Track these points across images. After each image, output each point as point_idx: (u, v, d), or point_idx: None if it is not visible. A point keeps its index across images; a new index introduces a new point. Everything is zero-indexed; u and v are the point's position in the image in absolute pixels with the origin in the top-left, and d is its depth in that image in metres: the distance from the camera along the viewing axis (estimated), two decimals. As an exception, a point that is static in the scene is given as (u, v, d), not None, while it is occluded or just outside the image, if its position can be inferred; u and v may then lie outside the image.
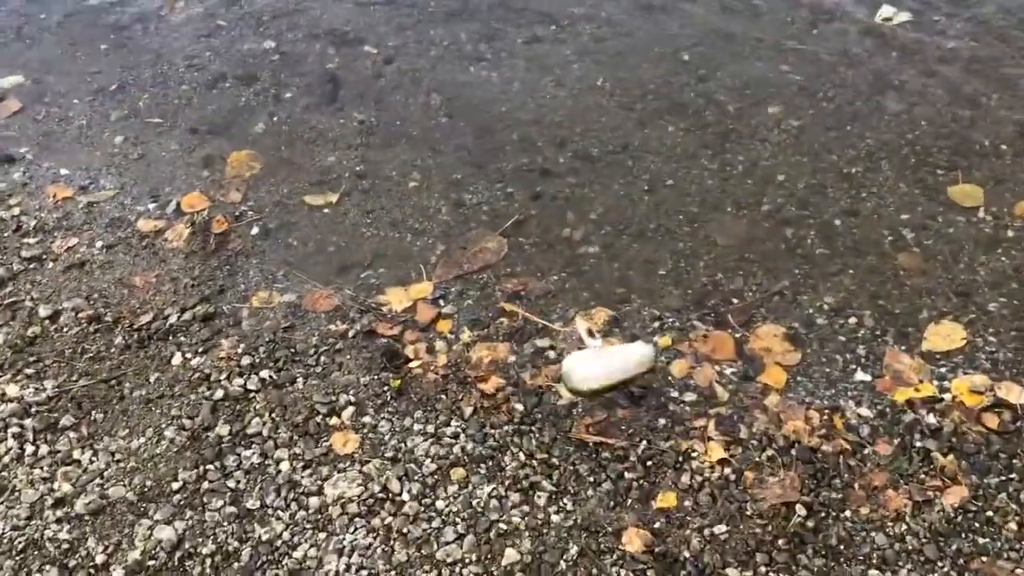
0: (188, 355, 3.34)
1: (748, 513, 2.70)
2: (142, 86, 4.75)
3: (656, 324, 3.30)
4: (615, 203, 3.80)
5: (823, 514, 2.68)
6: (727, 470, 2.82)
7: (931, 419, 2.89)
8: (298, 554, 2.69)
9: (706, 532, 2.66)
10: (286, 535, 2.74)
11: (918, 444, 2.83)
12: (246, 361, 3.28)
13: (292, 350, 3.32)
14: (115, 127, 4.50)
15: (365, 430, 3.02)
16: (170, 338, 3.42)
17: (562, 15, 4.87)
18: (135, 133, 4.45)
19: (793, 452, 2.84)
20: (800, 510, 2.67)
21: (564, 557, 2.63)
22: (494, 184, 3.96)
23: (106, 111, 4.60)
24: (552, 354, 3.22)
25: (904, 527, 2.64)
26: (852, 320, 3.23)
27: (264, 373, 3.23)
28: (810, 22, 4.59)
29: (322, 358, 3.28)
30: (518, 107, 4.33)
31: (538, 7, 4.95)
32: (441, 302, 3.47)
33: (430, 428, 3.00)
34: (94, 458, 3.00)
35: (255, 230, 3.86)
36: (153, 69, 4.86)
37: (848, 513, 2.68)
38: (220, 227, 3.87)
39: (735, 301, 3.35)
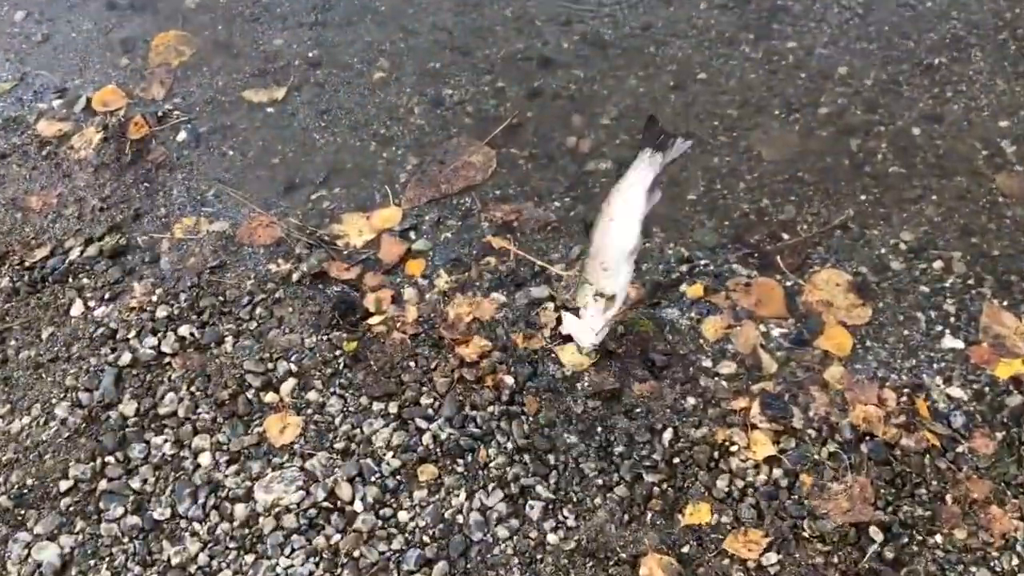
0: (91, 303, 2.65)
1: (806, 534, 2.04)
2: (51, -54, 3.84)
3: (684, 268, 2.58)
4: (633, 103, 3.01)
5: (905, 539, 2.02)
6: (777, 472, 2.16)
7: (1046, 404, 2.21)
8: (215, 588, 2.07)
9: (750, 561, 2.02)
10: (202, 557, 2.11)
11: (1030, 440, 2.15)
12: (162, 313, 2.58)
13: (221, 298, 2.62)
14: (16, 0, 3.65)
15: (309, 410, 2.34)
16: (70, 280, 2.72)
17: None
18: (40, 8, 3.61)
19: (864, 448, 2.17)
20: (875, 534, 2.02)
21: (564, 600, 2.01)
22: (481, 76, 3.16)
23: (5, -21, 3.73)
24: (552, 307, 2.51)
25: (1015, 559, 1.99)
26: (937, 264, 2.50)
27: (184, 330, 2.53)
28: None
29: (258, 310, 2.57)
30: (513, -26, 3.47)
31: None
32: (412, 234, 2.74)
33: (393, 408, 2.33)
34: (-41, 449, 2.35)
35: (182, 135, 3.09)
36: (65, -76, 3.93)
37: (939, 538, 2.03)
38: (138, 131, 3.09)
39: (785, 237, 2.62)
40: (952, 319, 2.39)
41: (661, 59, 3.12)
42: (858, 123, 2.85)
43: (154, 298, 2.63)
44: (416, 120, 3.06)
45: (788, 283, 2.51)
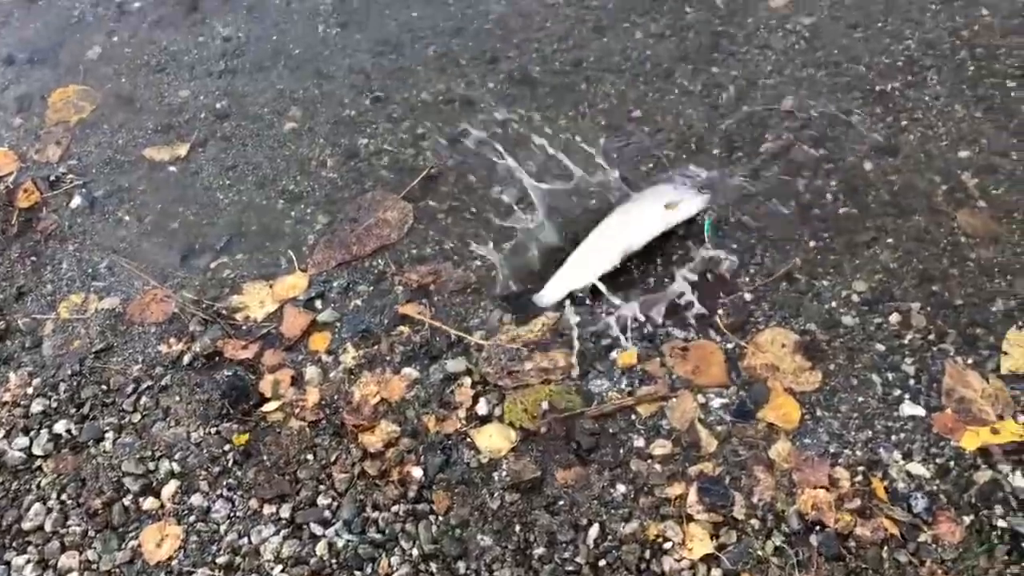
0: (-39, 398, 2.38)
1: (750, 652, 1.78)
2: (-51, -1, 3.61)
3: (615, 328, 2.31)
4: (562, 146, 2.74)
5: (864, 655, 1.76)
6: (716, 573, 1.88)
7: (1021, 479, 1.94)
8: None
9: None
10: None
11: (1001, 524, 1.88)
12: (38, 407, 2.33)
13: (104, 387, 2.36)
14: (-94, 57, 3.41)
15: (192, 517, 2.08)
16: (-60, 371, 2.45)
17: None
18: (-66, 66, 3.36)
19: (814, 541, 1.90)
20: (829, 652, 1.75)
21: None
22: (400, 123, 2.91)
23: None
24: (469, 382, 2.24)
25: (988, 675, 1.72)
26: (894, 318, 2.24)
27: (60, 426, 2.28)
28: None
29: (143, 399, 2.31)
30: (435, 11, 3.22)
31: None
32: (318, 304, 2.48)
33: (286, 512, 2.06)
34: None
35: (76, 201, 2.84)
36: (-36, -26, 3.70)
37: (902, 652, 1.76)
38: (28, 199, 2.85)
39: (726, 292, 2.35)
40: (911, 381, 2.13)
41: (593, 95, 2.87)
42: (805, 160, 2.60)
43: (30, 390, 2.38)
44: (328, 174, 2.81)
45: (729, 345, 2.25)
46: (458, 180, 2.73)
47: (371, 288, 2.50)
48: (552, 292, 2.41)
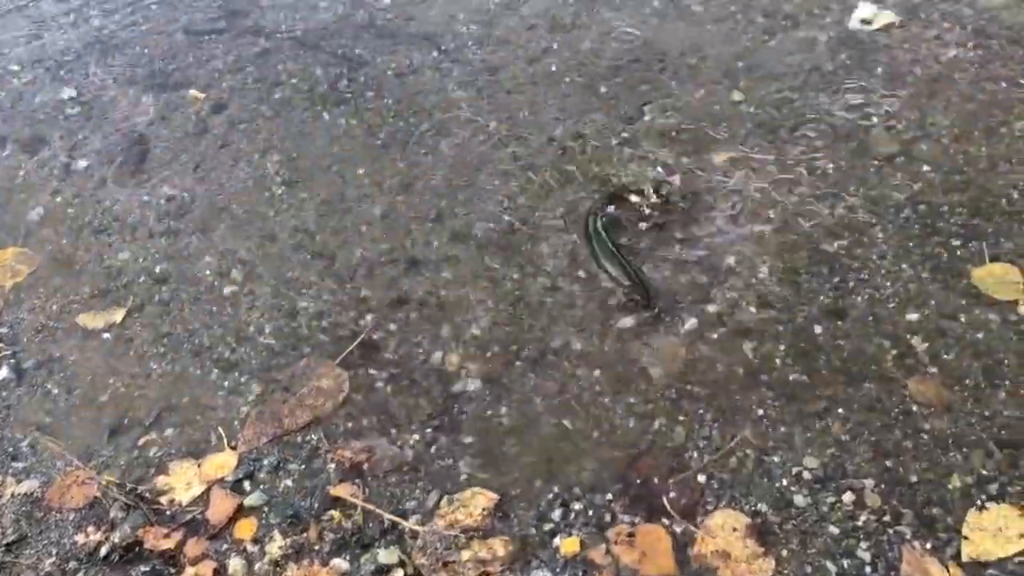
0: None
1: None
2: None
3: (558, 514, 2.19)
4: (508, 309, 2.68)
5: None
6: None
7: None
8: None
9: None
10: None
11: None
12: (-63, 611, 2.14)
13: (12, 585, 2.18)
14: None
15: None
16: None
17: (447, 36, 3.73)
18: None
19: None
20: None
21: None
22: (342, 284, 2.85)
23: None
24: (400, 574, 2.10)
25: None
26: (847, 497, 2.14)
27: (-41, 633, 2.09)
28: (766, 30, 3.47)
29: (53, 600, 2.14)
30: (382, 168, 3.21)
31: (417, 28, 3.81)
32: (246, 484, 2.35)
33: None
34: None
35: (3, 372, 2.72)
36: (-88, 134, 3.69)
37: None
38: (-48, 372, 2.73)
39: (674, 470, 2.24)
40: (868, 569, 2.01)
41: (539, 257, 2.82)
42: (752, 322, 2.54)
43: (-67, 589, 2.21)
44: (265, 339, 2.72)
45: (678, 529, 2.13)
46: (399, 345, 2.64)
47: (302, 467, 2.38)
48: None
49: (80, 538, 2.28)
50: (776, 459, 2.23)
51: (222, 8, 4.08)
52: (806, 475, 2.19)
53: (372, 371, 2.59)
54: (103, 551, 2.23)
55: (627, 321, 2.58)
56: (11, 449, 2.53)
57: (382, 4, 3.97)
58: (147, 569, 2.17)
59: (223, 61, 3.81)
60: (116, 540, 2.25)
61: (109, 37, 4.04)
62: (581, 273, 2.75)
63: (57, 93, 3.79)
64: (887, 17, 3.40)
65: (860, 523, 2.09)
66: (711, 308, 2.59)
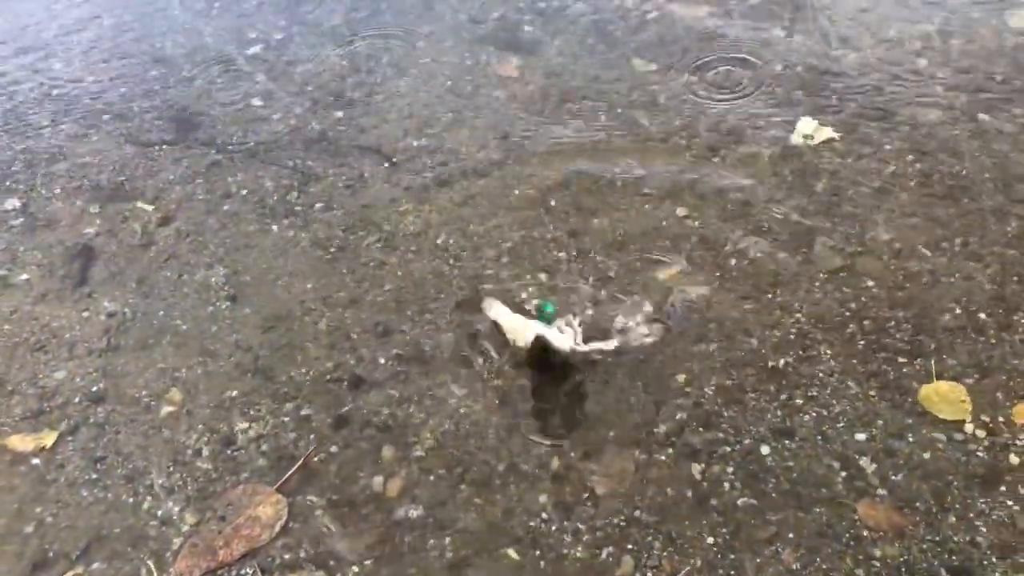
0: None
1: None
2: None
3: (501, 652, 2.09)
4: (453, 428, 2.63)
5: None
6: None
7: None
8: None
9: None
10: None
11: None
12: None
13: None
14: None
15: None
16: None
17: (398, 148, 3.76)
18: None
19: None
20: None
21: None
22: (283, 404, 2.78)
23: None
24: None
25: None
26: (800, 632, 2.06)
27: None
28: (709, 147, 3.54)
29: None
30: (329, 282, 3.18)
31: (370, 139, 3.83)
32: (175, 627, 2.22)
33: None
34: None
35: (-78, 502, 2.58)
36: None
37: None
38: None
39: (624, 604, 2.17)
40: None
41: (485, 374, 2.78)
42: (700, 443, 2.51)
43: None
44: (202, 464, 2.63)
45: (626, 669, 2.04)
46: (340, 469, 2.57)
47: (238, 604, 2.27)
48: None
49: None
50: (727, 591, 2.17)
51: (174, 119, 4.08)
52: (757, 608, 2.12)
53: (312, 498, 2.51)
54: None
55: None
56: (-75, 587, 2.38)
57: (334, 116, 3.99)
58: None
59: (173, 172, 3.80)
60: None
61: (58, 147, 4.02)
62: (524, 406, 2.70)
63: (1, 203, 3.73)
64: (827, 133, 3.48)
65: (812, 659, 2.01)
66: (660, 428, 2.55)
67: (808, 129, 3.51)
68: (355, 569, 2.32)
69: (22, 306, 3.25)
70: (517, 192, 3.46)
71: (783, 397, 2.60)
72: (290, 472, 2.56)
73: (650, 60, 4.01)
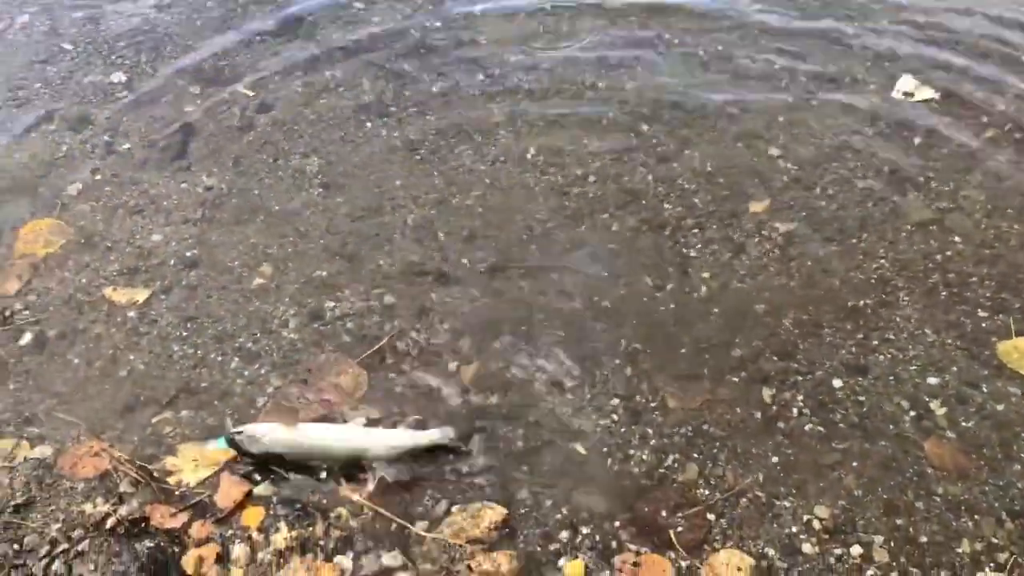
0: None
1: None
2: (-59, 122, 3.63)
3: (565, 536, 2.19)
4: (529, 329, 2.70)
5: None
6: None
7: None
8: None
9: None
10: None
11: None
12: (-58, 562, 2.14)
13: (16, 546, 2.19)
14: None
15: None
16: None
17: (494, 61, 3.80)
18: (-89, 186, 3.33)
19: None
20: None
21: None
22: (370, 289, 2.87)
23: None
24: (404, 577, 2.10)
25: None
26: (855, 550, 2.14)
27: (-41, 587, 2.09)
28: (809, 91, 3.53)
29: (55, 565, 2.15)
30: (419, 182, 3.25)
31: (468, 51, 3.87)
32: (257, 475, 2.35)
33: None
34: None
35: (26, 338, 2.75)
36: (-38, 100, 3.75)
37: None
38: (-24, 332, 2.75)
39: (684, 504, 2.24)
40: (872, 624, 2.00)
41: (565, 283, 2.86)
42: (773, 371, 2.56)
43: (-63, 541, 2.21)
44: (289, 334, 2.74)
45: (683, 563, 2.13)
46: (420, 354, 2.66)
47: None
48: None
49: (88, 508, 2.28)
50: (786, 504, 2.24)
51: (277, 12, 4.15)
52: (816, 524, 2.20)
53: (390, 374, 2.61)
54: (109, 523, 2.23)
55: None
56: (27, 414, 2.54)
57: (434, 25, 4.03)
58: (152, 545, 2.17)
59: (272, 63, 3.88)
60: (123, 513, 2.25)
61: (164, 29, 4.12)
62: (605, 303, 2.77)
63: (107, 76, 3.85)
64: (927, 92, 3.46)
65: (867, 577, 2.08)
66: (735, 352, 2.60)
67: (909, 86, 3.49)
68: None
69: (123, 172, 3.37)
70: (611, 115, 3.49)
71: (859, 336, 2.63)
72: (373, 348, 2.66)
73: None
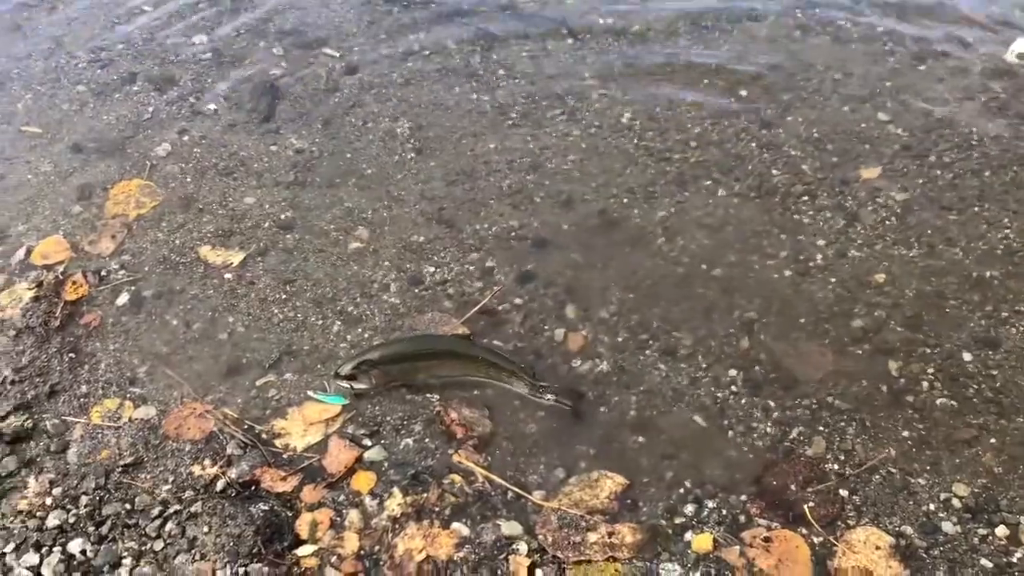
0: (-27, 500, 2.19)
1: None
2: (27, 82, 3.62)
3: (690, 509, 2.11)
4: (637, 297, 2.62)
5: None
6: None
7: None
8: None
9: None
10: None
11: None
12: (54, 520, 2.12)
13: (128, 506, 2.16)
14: (-23, 136, 3.37)
15: (206, 674, 1.83)
16: (-45, 467, 2.27)
17: (583, 24, 3.70)
18: (1, 146, 3.31)
19: None
20: None
21: None
22: (467, 253, 2.80)
23: (-29, 113, 3.47)
24: (525, 549, 2.03)
25: None
26: (1001, 531, 2.04)
27: (75, 545, 2.08)
28: (916, 55, 3.39)
29: (168, 525, 2.11)
30: (513, 145, 3.16)
31: (554, 13, 3.77)
32: (366, 440, 2.29)
33: None
34: None
35: (123, 298, 2.71)
36: (47, 61, 3.73)
37: None
38: (74, 292, 2.72)
39: (813, 479, 2.15)
40: (1023, 607, 1.90)
41: (670, 249, 2.76)
42: (898, 342, 2.45)
43: (49, 500, 2.18)
44: (390, 298, 2.68)
45: (817, 539, 2.03)
46: (524, 319, 2.59)
47: (424, 427, 2.32)
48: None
49: (196, 469, 2.24)
50: (922, 481, 2.14)
51: (358, -26, 4.07)
52: (955, 502, 2.09)
53: (497, 341, 2.53)
54: (219, 485, 2.19)
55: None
56: (129, 374, 2.50)
57: (518, -13, 3.93)
58: (266, 508, 2.12)
59: (356, 25, 3.81)
60: (233, 476, 2.20)
61: (244, -10, 4.06)
62: (717, 271, 2.67)
63: (189, 37, 3.80)
64: (1044, 55, 3.30)
65: (1015, 559, 1.98)
66: (856, 323, 2.49)
67: (1024, 48, 3.33)
68: (539, 412, 2.34)
69: (211, 133, 3.32)
70: (706, 80, 3.37)
71: (988, 308, 2.52)
72: (474, 309, 2.59)
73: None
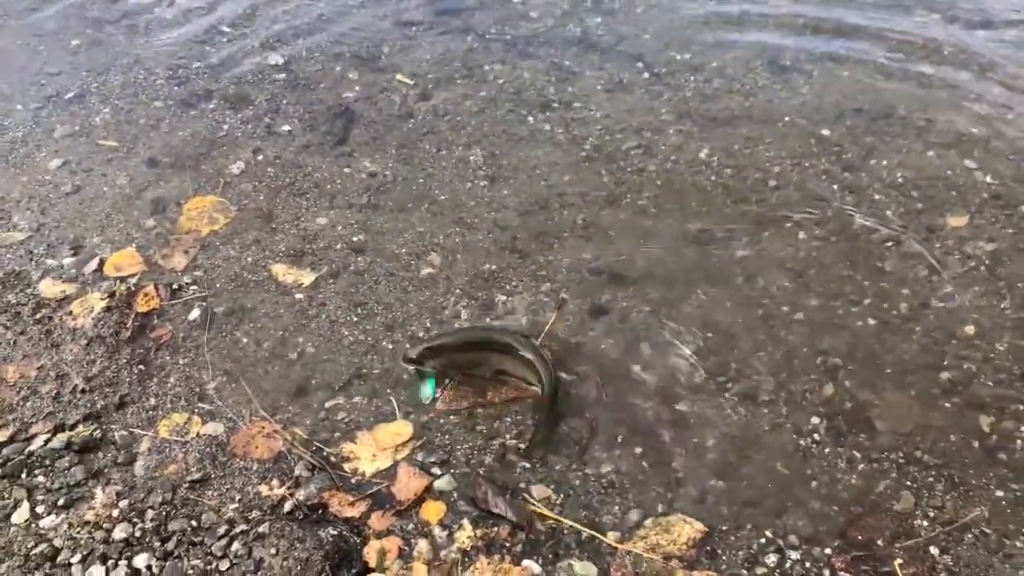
0: (40, 508, 2.17)
1: None
2: (106, 97, 3.67)
3: (772, 560, 2.02)
4: (716, 339, 2.55)
5: None
6: None
7: None
8: None
9: None
10: None
11: None
12: (120, 533, 2.10)
13: (194, 523, 2.13)
14: (56, 146, 3.42)
15: None
16: (23, 474, 2.25)
17: (659, 60, 3.67)
18: (79, 157, 3.36)
19: None
20: None
21: None
22: (540, 284, 2.76)
23: (51, 124, 3.53)
24: (598, 590, 1.96)
25: None
26: (1103, 601, 1.91)
27: (141, 560, 2.04)
28: (1004, 103, 3.31)
29: (235, 545, 2.08)
30: (587, 179, 3.13)
31: (630, 47, 3.75)
32: (436, 468, 2.24)
33: None
34: None
35: (194, 313, 2.70)
36: (125, 76, 3.78)
37: None
38: (147, 304, 2.72)
39: (900, 535, 2.06)
40: None
41: (750, 291, 2.70)
42: (989, 396, 2.35)
43: (116, 512, 2.16)
44: (461, 325, 2.63)
45: (907, 601, 1.94)
46: (597, 355, 2.53)
47: (495, 460, 2.27)
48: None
49: (264, 489, 2.20)
50: (1019, 544, 2.03)
51: (433, 3, 4.09)
52: (1055, 568, 1.98)
53: (582, 368, 2.48)
54: (287, 506, 2.15)
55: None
56: (198, 389, 2.48)
57: (593, 20, 3.93)
58: (335, 533, 2.08)
59: (430, 53, 3.81)
60: (301, 498, 2.17)
61: (318, 15, 4.09)
62: (799, 315, 2.59)
63: (264, 58, 3.84)
64: None
65: (1120, 632, 1.87)
66: (944, 376, 2.40)
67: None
68: (616, 451, 2.28)
69: (284, 153, 3.33)
70: (787, 119, 3.32)
71: (1084, 365, 2.41)
72: (546, 328, 2.54)
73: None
